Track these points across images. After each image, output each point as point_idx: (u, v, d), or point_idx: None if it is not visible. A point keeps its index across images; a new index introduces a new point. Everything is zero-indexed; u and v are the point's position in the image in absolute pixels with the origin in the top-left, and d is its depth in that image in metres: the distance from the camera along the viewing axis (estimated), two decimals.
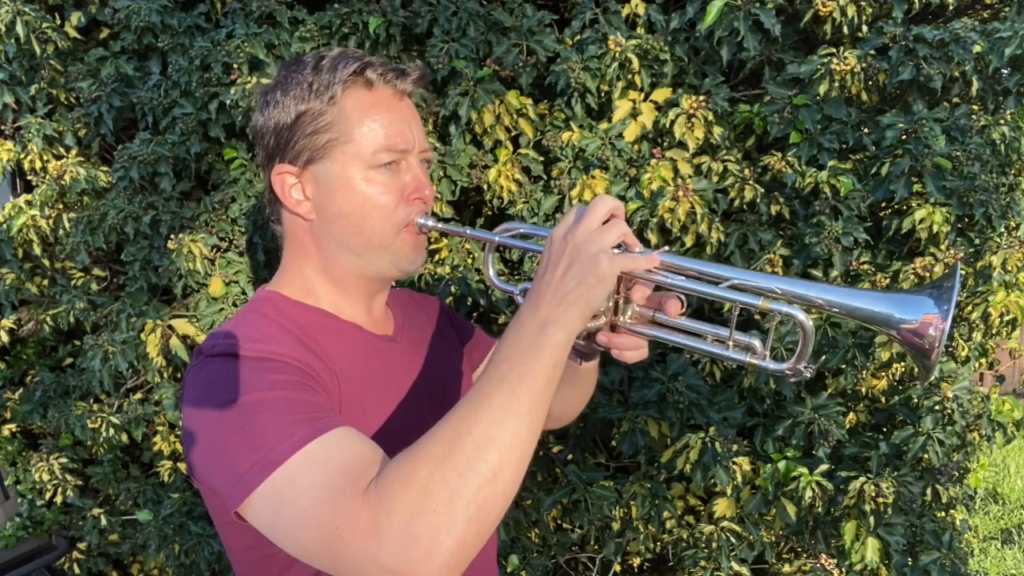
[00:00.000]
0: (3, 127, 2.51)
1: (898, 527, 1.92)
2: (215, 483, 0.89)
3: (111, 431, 2.29)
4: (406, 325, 1.18)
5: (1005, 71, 1.92)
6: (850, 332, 1.88)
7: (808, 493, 1.86)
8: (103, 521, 2.54)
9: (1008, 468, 5.22)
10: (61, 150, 2.40)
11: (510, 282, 2.04)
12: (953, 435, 1.91)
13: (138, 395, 2.41)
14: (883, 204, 1.98)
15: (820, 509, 1.90)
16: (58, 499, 2.49)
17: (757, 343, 0.92)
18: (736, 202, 1.90)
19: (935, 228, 1.79)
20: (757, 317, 1.89)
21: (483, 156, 2.07)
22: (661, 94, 1.96)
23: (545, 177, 2.05)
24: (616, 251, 0.88)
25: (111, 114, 2.30)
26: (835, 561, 2.17)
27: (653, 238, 1.92)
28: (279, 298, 1.06)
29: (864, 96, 1.92)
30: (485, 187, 2.03)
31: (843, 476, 1.91)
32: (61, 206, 2.37)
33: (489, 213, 2.18)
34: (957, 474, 2.02)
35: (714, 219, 1.88)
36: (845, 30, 1.91)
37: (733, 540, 1.98)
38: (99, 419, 2.29)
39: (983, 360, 2.36)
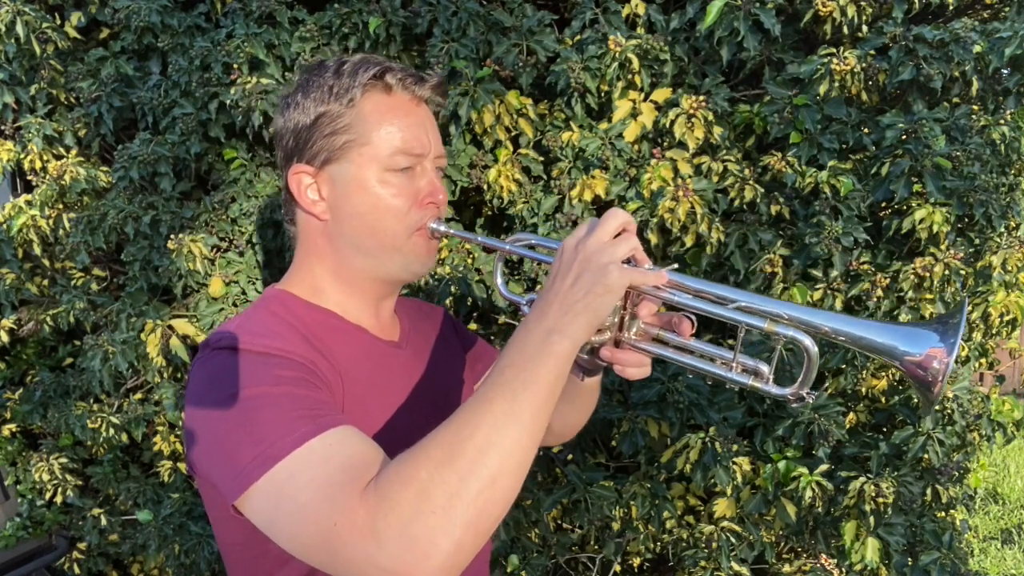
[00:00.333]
0: (3, 127, 2.51)
1: (898, 527, 1.92)
2: (215, 476, 0.89)
3: (111, 431, 2.29)
4: (412, 332, 1.19)
5: (1005, 71, 1.92)
6: None
7: (808, 493, 1.86)
8: (103, 521, 2.54)
9: (1008, 468, 5.22)
10: (61, 150, 2.40)
11: (510, 283, 2.04)
12: (953, 435, 1.91)
13: (138, 395, 2.41)
14: (883, 204, 1.98)
15: (820, 509, 1.90)
16: (58, 499, 2.49)
17: (764, 367, 0.92)
18: (736, 202, 1.90)
19: (935, 228, 1.79)
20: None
21: (483, 156, 2.07)
22: (661, 94, 1.96)
23: (545, 177, 2.05)
24: (626, 265, 0.88)
25: (111, 114, 2.30)
26: (835, 561, 2.17)
27: (653, 238, 1.92)
28: (288, 296, 1.06)
29: (864, 96, 1.92)
30: (485, 187, 2.03)
31: (843, 476, 1.91)
32: (61, 206, 2.37)
33: (489, 213, 2.18)
34: (957, 474, 2.02)
35: (714, 219, 1.88)
36: (845, 30, 1.91)
37: (733, 540, 1.98)
38: (99, 419, 2.29)
39: (983, 360, 2.36)
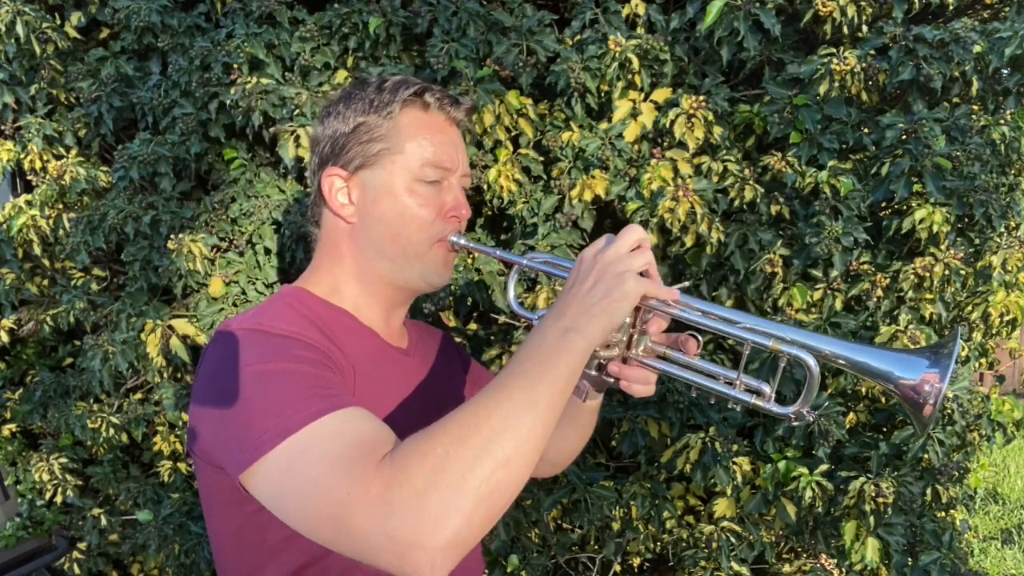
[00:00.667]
0: (3, 127, 2.51)
1: (898, 527, 1.91)
2: (221, 452, 0.89)
3: (111, 431, 2.30)
4: (419, 344, 1.23)
5: (1005, 71, 1.92)
6: (850, 332, 1.88)
7: (808, 493, 1.86)
8: (103, 521, 2.54)
9: (1008, 468, 5.22)
10: (61, 150, 2.40)
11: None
12: (953, 435, 1.91)
13: (138, 395, 2.41)
14: (883, 204, 1.98)
15: (820, 509, 1.90)
16: (58, 499, 2.49)
17: (766, 387, 0.95)
18: (736, 202, 1.90)
19: (935, 228, 1.79)
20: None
21: (483, 156, 2.07)
22: (661, 94, 1.96)
23: (545, 177, 2.05)
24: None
25: (111, 114, 2.30)
26: (835, 561, 2.17)
27: (653, 238, 1.92)
28: (304, 293, 1.09)
29: (864, 96, 1.92)
30: (485, 187, 2.03)
31: (843, 476, 1.91)
32: (61, 206, 2.37)
33: (489, 213, 2.18)
34: (957, 474, 2.02)
35: (714, 219, 1.88)
36: (845, 30, 1.91)
37: (733, 540, 1.98)
38: (99, 419, 2.29)
39: (983, 360, 2.36)
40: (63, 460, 2.48)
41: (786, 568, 2.37)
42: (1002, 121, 1.97)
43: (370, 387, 1.02)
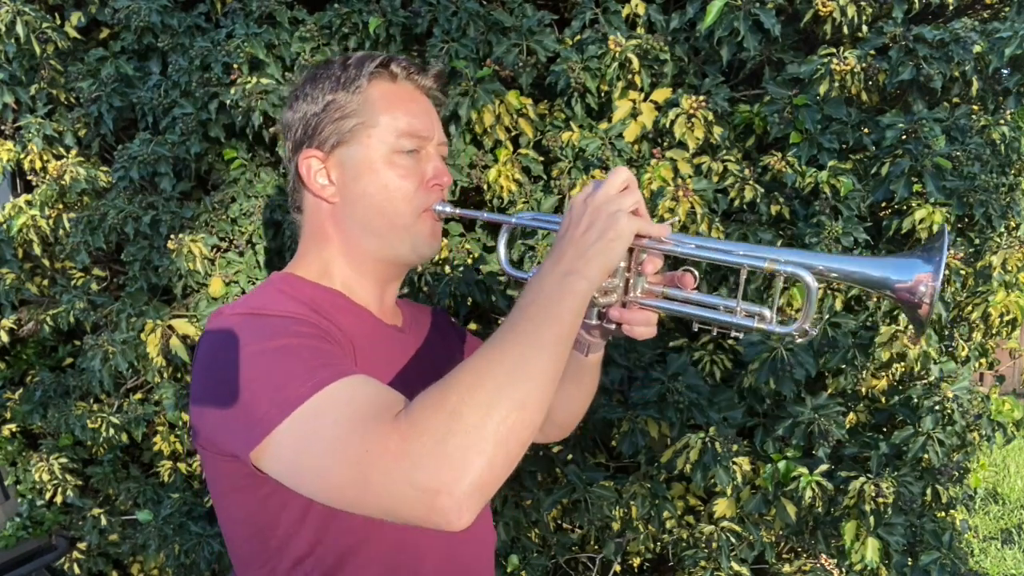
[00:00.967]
0: (3, 127, 2.51)
1: (898, 527, 1.91)
2: (228, 434, 0.89)
3: (111, 431, 2.30)
4: (413, 322, 1.22)
5: (1005, 71, 1.92)
6: (850, 332, 1.88)
7: (808, 493, 1.86)
8: (103, 521, 2.54)
9: (1008, 468, 5.22)
10: (61, 150, 2.40)
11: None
12: (953, 435, 1.91)
13: (138, 395, 2.41)
14: (883, 204, 1.98)
15: (820, 509, 1.90)
16: (58, 499, 2.49)
17: (767, 311, 0.96)
18: (736, 202, 1.90)
19: (935, 228, 1.79)
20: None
21: (483, 156, 2.07)
22: (661, 94, 1.96)
23: (545, 177, 2.05)
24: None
25: (111, 114, 2.30)
26: (835, 561, 2.17)
27: None
28: (294, 278, 1.08)
29: (864, 96, 1.92)
30: (485, 187, 2.03)
31: (843, 476, 1.91)
32: (61, 206, 2.37)
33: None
34: (957, 474, 2.02)
35: (714, 219, 1.88)
36: (845, 30, 1.91)
37: (733, 540, 1.98)
38: (99, 419, 2.29)
39: (983, 360, 2.36)
40: (63, 460, 2.48)
41: (786, 568, 2.37)
42: (1002, 121, 1.97)
43: (369, 365, 1.01)
